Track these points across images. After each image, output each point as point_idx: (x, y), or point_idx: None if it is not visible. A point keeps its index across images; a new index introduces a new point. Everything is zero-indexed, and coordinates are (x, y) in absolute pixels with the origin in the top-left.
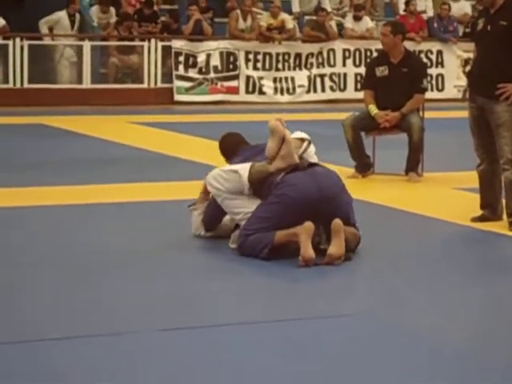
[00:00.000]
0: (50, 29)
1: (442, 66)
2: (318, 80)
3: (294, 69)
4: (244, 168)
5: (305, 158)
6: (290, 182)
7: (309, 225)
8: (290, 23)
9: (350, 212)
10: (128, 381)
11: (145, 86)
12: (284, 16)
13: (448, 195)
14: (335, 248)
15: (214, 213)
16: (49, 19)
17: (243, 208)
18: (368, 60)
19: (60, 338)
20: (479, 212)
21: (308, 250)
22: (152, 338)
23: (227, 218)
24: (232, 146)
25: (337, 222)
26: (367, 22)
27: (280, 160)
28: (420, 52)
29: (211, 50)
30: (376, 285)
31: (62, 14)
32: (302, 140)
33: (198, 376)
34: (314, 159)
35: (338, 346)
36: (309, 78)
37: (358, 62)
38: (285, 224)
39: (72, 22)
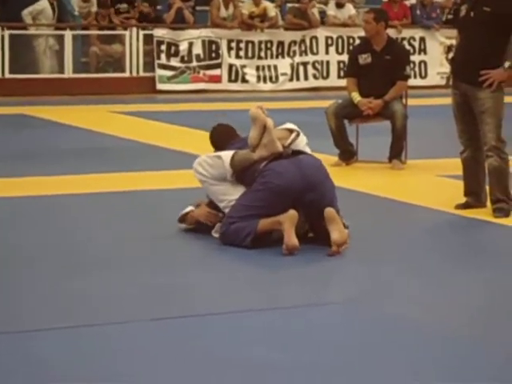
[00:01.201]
0: (34, 19)
1: (425, 52)
2: (301, 68)
3: (277, 57)
4: (227, 154)
5: (290, 148)
6: (275, 169)
7: (293, 213)
8: (273, 11)
9: (333, 199)
10: (113, 370)
11: (126, 74)
12: (266, 4)
13: (432, 182)
14: (337, 234)
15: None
16: (32, 9)
17: (227, 195)
18: (351, 47)
19: (45, 328)
20: (463, 199)
21: (292, 239)
22: (136, 328)
23: None
24: (222, 138)
25: (329, 210)
26: (350, 10)
27: (263, 148)
28: (403, 39)
29: (193, 38)
30: (363, 272)
31: (45, 4)
32: (291, 131)
33: (182, 365)
34: (306, 150)
35: (327, 334)
36: (291, 65)
37: (340, 50)
38: (269, 212)
39: (54, 11)
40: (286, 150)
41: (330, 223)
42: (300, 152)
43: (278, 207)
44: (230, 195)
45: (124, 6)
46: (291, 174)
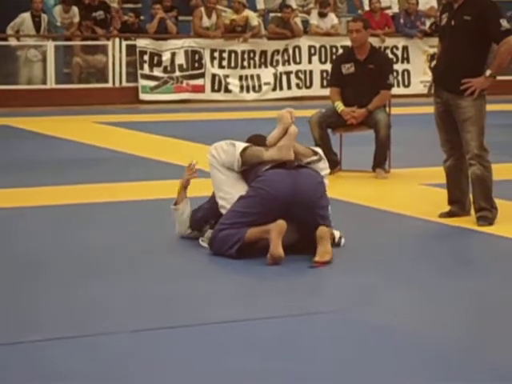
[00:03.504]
0: (17, 31)
1: (408, 61)
2: (284, 77)
3: (260, 66)
4: (241, 144)
5: (300, 161)
6: (270, 177)
7: (281, 223)
8: (255, 20)
9: (324, 214)
10: (104, 380)
11: (109, 85)
12: (248, 13)
13: (416, 191)
14: (321, 256)
15: (206, 212)
16: (13, 24)
17: (227, 187)
18: (334, 57)
19: (41, 339)
20: (447, 207)
21: (277, 248)
22: (127, 338)
23: None
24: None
25: (322, 229)
26: (332, 19)
27: (276, 150)
28: (386, 48)
29: (176, 48)
30: (348, 282)
31: (26, 15)
32: (315, 153)
33: (171, 376)
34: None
35: (314, 344)
36: (275, 75)
37: (323, 59)
38: (259, 219)
39: (36, 23)
40: (294, 161)
41: (318, 242)
42: (305, 166)
43: (268, 216)
44: (231, 188)
45: (100, 13)
46: (284, 184)
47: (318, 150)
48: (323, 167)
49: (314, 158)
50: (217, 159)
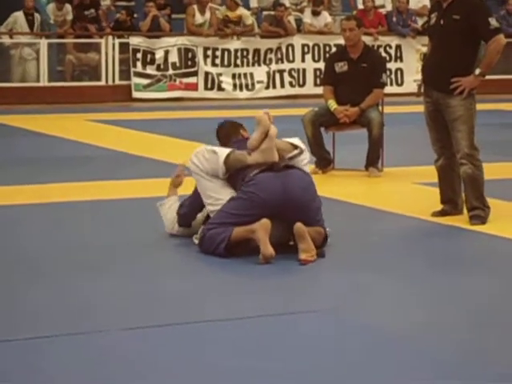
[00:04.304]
0: (11, 30)
1: (401, 60)
2: (277, 76)
3: (253, 65)
4: (223, 151)
5: (285, 161)
6: (260, 181)
7: (265, 221)
8: (249, 19)
9: (316, 216)
10: (96, 378)
11: (102, 83)
12: (243, 11)
13: (408, 190)
14: (304, 253)
15: (189, 208)
16: (7, 23)
17: (214, 193)
18: (327, 55)
19: (34, 337)
20: (440, 206)
21: (268, 248)
22: (120, 336)
23: (200, 215)
24: (227, 134)
25: (299, 226)
26: (326, 17)
27: (259, 153)
28: (379, 47)
29: (169, 46)
30: (340, 280)
31: (19, 14)
32: (295, 147)
33: (164, 375)
34: (304, 168)
35: (306, 342)
36: (268, 73)
37: (317, 58)
38: (248, 221)
39: (30, 22)
40: (280, 162)
41: (298, 240)
42: (293, 167)
43: (257, 218)
44: (218, 194)
45: (92, 11)
46: (274, 188)
47: (297, 141)
48: (303, 158)
49: (296, 151)
50: (199, 167)
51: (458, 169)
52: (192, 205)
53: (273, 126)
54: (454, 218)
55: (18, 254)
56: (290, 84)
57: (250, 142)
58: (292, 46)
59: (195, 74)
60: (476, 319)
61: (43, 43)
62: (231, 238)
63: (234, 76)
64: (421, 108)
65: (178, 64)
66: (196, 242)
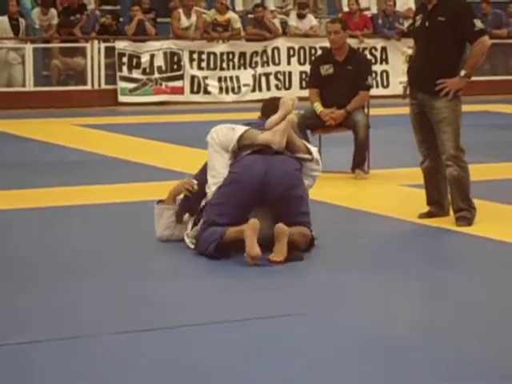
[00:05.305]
0: None
1: (387, 62)
2: (263, 79)
3: (239, 68)
4: (241, 128)
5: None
6: (245, 162)
7: (254, 221)
8: (237, 23)
9: (300, 207)
10: (87, 382)
11: (88, 87)
12: (232, 15)
13: (395, 192)
14: (275, 255)
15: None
16: None
17: (219, 167)
18: (313, 58)
19: (25, 342)
20: (426, 208)
21: (254, 248)
22: (110, 341)
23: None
24: (264, 112)
25: (279, 226)
26: (311, 20)
27: (270, 133)
28: (364, 49)
29: (155, 50)
30: (327, 283)
31: (3, 19)
32: (309, 152)
33: (154, 379)
34: (309, 179)
35: (294, 345)
36: (254, 76)
37: (302, 60)
38: (232, 209)
39: (14, 27)
40: (285, 152)
41: (276, 240)
42: (283, 153)
43: (240, 206)
44: (223, 168)
45: (78, 16)
46: (257, 168)
47: (314, 150)
48: (315, 168)
49: (307, 156)
50: (215, 140)
51: (443, 170)
52: (185, 201)
53: (294, 113)
54: (441, 220)
55: (6, 259)
56: (276, 87)
57: (269, 121)
58: (278, 48)
59: (181, 77)
60: (466, 321)
61: (28, 48)
62: (223, 239)
63: (220, 79)
64: (406, 110)
65: (163, 68)
66: (192, 246)
